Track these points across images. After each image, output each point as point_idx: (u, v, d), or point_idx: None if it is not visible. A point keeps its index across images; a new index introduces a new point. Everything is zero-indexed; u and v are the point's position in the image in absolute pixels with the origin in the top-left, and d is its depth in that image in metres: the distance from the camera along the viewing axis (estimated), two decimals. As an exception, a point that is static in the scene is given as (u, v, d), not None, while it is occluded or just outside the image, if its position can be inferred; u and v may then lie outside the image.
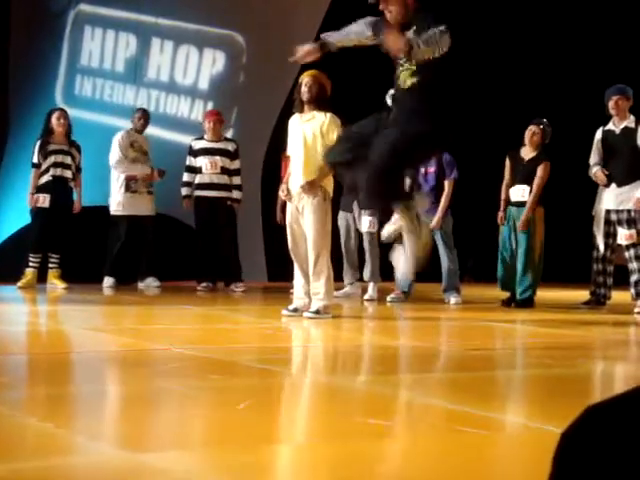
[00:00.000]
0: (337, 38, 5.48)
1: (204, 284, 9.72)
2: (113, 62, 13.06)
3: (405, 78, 5.19)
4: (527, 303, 8.61)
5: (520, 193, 8.65)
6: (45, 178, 9.48)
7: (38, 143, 9.59)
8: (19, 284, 9.28)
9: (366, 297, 9.13)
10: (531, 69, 12.61)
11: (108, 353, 5.14)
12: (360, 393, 4.18)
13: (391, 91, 5.39)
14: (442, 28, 4.85)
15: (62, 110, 9.75)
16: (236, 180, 9.86)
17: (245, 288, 9.76)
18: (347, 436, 3.18)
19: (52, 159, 9.48)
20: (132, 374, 4.36)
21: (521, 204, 8.63)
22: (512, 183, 8.72)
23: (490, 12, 12.32)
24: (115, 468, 2.62)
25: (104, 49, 13.09)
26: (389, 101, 5.34)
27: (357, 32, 5.45)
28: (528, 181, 8.61)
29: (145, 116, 10.27)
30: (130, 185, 9.93)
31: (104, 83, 13.09)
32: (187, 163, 9.87)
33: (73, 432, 3.03)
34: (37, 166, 9.51)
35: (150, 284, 9.88)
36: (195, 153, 9.81)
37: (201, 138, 9.87)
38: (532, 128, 8.66)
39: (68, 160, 9.55)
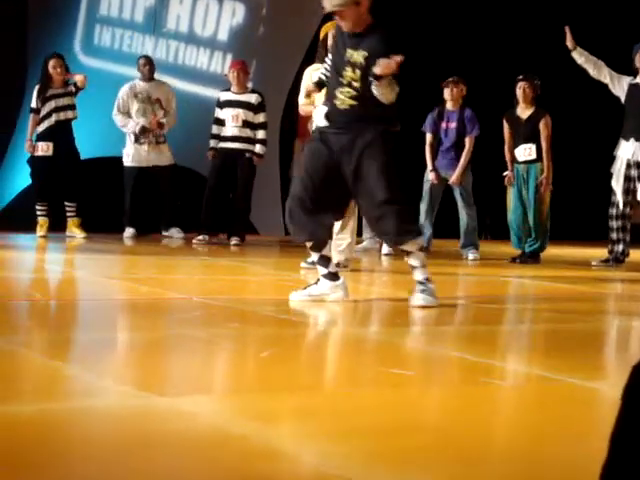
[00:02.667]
0: None
1: (200, 237, 9.58)
2: (132, 12, 12.99)
3: (344, 98, 5.16)
4: (533, 257, 8.61)
5: (526, 152, 8.63)
6: (46, 124, 9.40)
7: (37, 88, 9.54)
8: (39, 233, 9.32)
9: (384, 252, 9.13)
10: (534, 24, 12.53)
11: (128, 301, 5.18)
12: (380, 344, 4.20)
13: (324, 108, 5.32)
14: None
15: (58, 57, 9.57)
16: (260, 134, 9.73)
17: (239, 242, 9.60)
18: (371, 384, 3.21)
19: (52, 104, 9.40)
20: (154, 322, 4.39)
21: (528, 162, 8.62)
22: (515, 143, 8.70)
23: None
24: (141, 410, 2.66)
25: (123, -2, 13.03)
26: (323, 121, 5.29)
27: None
28: (531, 139, 8.59)
29: (149, 62, 10.20)
30: (137, 137, 9.91)
31: (123, 33, 13.03)
32: (215, 115, 9.81)
33: (99, 376, 3.06)
34: (36, 111, 9.45)
35: (174, 234, 9.91)
36: (221, 105, 9.76)
37: (227, 90, 9.82)
38: (521, 85, 8.62)
39: (69, 101, 9.46)
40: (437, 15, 12.20)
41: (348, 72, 5.15)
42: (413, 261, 5.20)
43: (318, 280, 5.23)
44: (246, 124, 9.65)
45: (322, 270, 5.22)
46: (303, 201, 5.20)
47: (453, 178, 8.89)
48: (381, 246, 9.27)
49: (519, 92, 8.61)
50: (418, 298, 5.14)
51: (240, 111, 9.64)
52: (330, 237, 5.63)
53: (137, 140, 9.89)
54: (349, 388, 3.12)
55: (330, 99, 5.27)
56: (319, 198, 5.16)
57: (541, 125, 8.55)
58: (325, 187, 5.17)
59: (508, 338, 4.62)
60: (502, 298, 6.38)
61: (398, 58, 4.86)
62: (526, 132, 8.61)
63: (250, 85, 10.10)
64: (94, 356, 3.50)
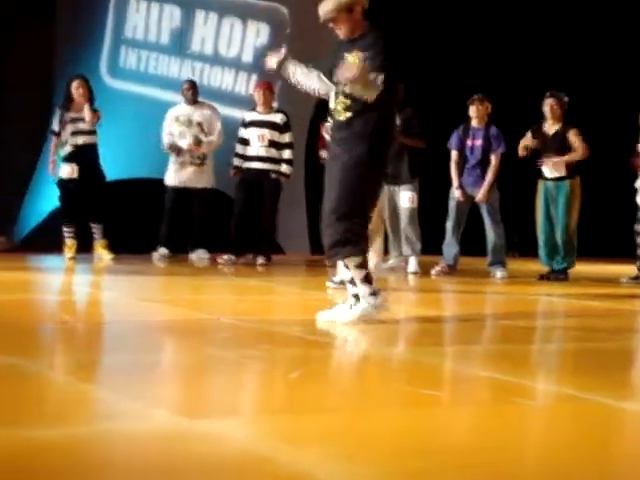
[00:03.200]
0: (297, 72, 5.54)
1: (226, 256, 9.59)
2: (158, 34, 13.10)
3: (340, 110, 5.20)
4: (561, 274, 8.58)
5: (555, 168, 8.60)
6: (68, 147, 9.45)
7: (58, 110, 9.60)
8: (67, 255, 9.37)
9: (410, 270, 9.13)
10: (560, 40, 12.52)
11: (156, 322, 5.18)
12: (408, 364, 4.19)
13: (329, 124, 5.39)
14: (376, 74, 4.95)
15: (81, 78, 9.61)
16: (286, 154, 9.75)
17: (265, 262, 9.61)
18: (399, 405, 3.20)
19: (70, 128, 9.44)
20: (182, 343, 4.40)
21: (557, 179, 8.59)
22: (546, 157, 8.66)
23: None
24: (173, 434, 2.66)
25: (149, 21, 13.14)
26: (327, 135, 5.37)
27: (313, 87, 5.53)
28: (559, 154, 8.56)
29: (192, 86, 10.25)
30: (176, 158, 9.96)
31: (149, 55, 13.14)
32: (239, 135, 9.84)
33: (131, 399, 3.07)
34: (56, 134, 9.51)
35: (200, 255, 9.93)
36: (246, 125, 9.79)
37: (253, 109, 9.84)
38: (548, 101, 8.61)
39: (88, 126, 9.46)
40: (463, 32, 12.20)
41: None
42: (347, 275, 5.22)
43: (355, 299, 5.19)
44: (272, 144, 9.67)
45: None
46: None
47: (479, 195, 8.87)
48: (407, 264, 9.26)
49: (546, 109, 8.60)
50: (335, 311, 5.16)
51: (266, 131, 9.67)
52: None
53: (176, 161, 9.95)
54: (378, 409, 3.11)
55: (330, 111, 5.31)
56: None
57: (571, 136, 8.52)
58: None
59: (537, 357, 4.59)
60: (530, 316, 6.35)
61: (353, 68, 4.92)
62: (554, 148, 8.59)
63: (275, 105, 10.13)
64: (122, 378, 3.51)
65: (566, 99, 8.65)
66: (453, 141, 9.08)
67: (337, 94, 5.22)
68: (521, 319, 5.88)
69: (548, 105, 8.60)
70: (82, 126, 9.38)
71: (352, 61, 5.10)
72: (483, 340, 5.18)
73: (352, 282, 5.21)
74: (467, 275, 9.10)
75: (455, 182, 9.00)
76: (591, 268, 10.23)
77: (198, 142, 9.92)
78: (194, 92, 10.19)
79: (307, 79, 5.48)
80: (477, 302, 7.13)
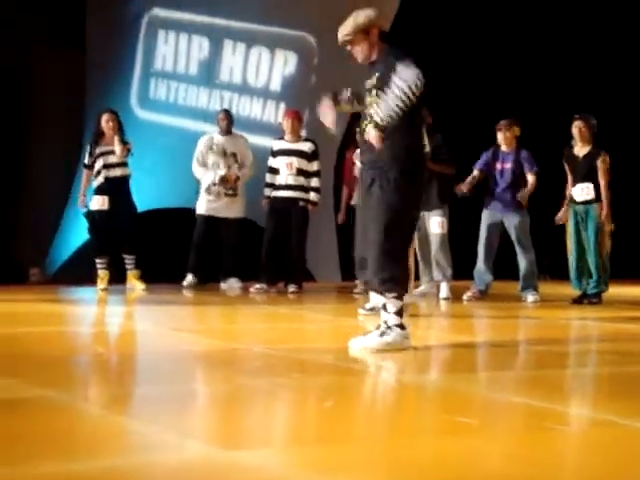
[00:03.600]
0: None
1: (258, 285, 9.61)
2: (186, 65, 13.20)
3: (369, 130, 5.21)
4: (595, 298, 8.53)
5: (584, 192, 8.58)
6: (99, 180, 9.50)
7: (89, 145, 9.66)
8: (99, 286, 9.42)
9: (442, 296, 9.11)
10: (588, 64, 12.50)
11: (189, 353, 5.19)
12: (443, 391, 4.17)
13: (358, 151, 5.49)
14: (396, 92, 4.97)
15: (111, 112, 9.67)
16: (314, 182, 9.76)
17: (296, 290, 9.62)
18: (434, 433, 3.19)
19: (101, 161, 9.48)
20: (216, 373, 4.41)
21: (586, 202, 8.56)
22: (573, 183, 8.66)
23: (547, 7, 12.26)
24: (207, 465, 2.66)
25: (177, 52, 13.25)
26: (358, 161, 5.45)
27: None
28: (588, 178, 8.54)
29: (227, 116, 10.27)
30: (209, 187, 9.99)
31: (178, 86, 13.24)
32: (268, 164, 9.87)
33: (164, 430, 3.08)
34: (88, 167, 9.57)
35: (232, 285, 9.95)
36: (274, 154, 9.82)
37: (281, 138, 9.88)
38: (577, 124, 8.60)
39: (119, 159, 9.51)
40: (491, 57, 12.21)
41: (367, 99, 5.32)
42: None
43: (386, 327, 5.19)
44: (300, 172, 9.69)
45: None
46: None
47: (520, 195, 8.78)
48: (439, 290, 9.24)
49: (575, 131, 8.59)
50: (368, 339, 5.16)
51: (294, 159, 9.69)
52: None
53: (209, 191, 9.97)
54: (412, 438, 3.10)
55: (360, 134, 5.38)
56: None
57: (598, 162, 8.51)
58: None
59: (572, 382, 4.56)
60: (564, 340, 6.31)
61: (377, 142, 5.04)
62: (583, 171, 8.57)
63: (304, 133, 10.16)
64: (156, 410, 3.52)
65: (594, 121, 8.63)
66: (479, 162, 9.06)
67: (367, 115, 5.27)
68: (554, 344, 5.85)
69: (577, 127, 8.59)
70: (113, 159, 9.45)
71: (371, 101, 5.22)
72: (516, 365, 5.15)
73: (385, 308, 5.21)
74: (499, 300, 9.06)
75: (465, 186, 8.92)
76: (625, 291, 10.16)
77: (237, 176, 9.97)
78: (229, 122, 10.22)
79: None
80: (509, 327, 7.09)
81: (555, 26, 12.50)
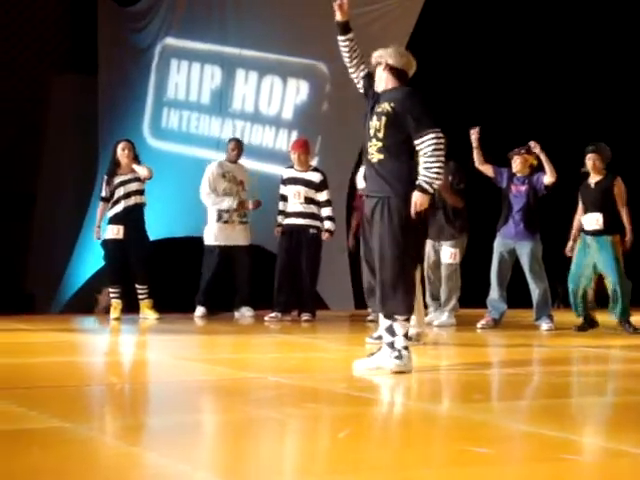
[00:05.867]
0: None
1: (273, 314, 9.60)
2: (199, 94, 13.28)
3: (373, 152, 5.45)
4: (628, 326, 8.50)
5: (594, 221, 8.56)
6: (117, 209, 9.49)
7: (105, 177, 9.67)
8: (112, 315, 9.42)
9: (437, 323, 9.09)
10: (603, 89, 12.52)
11: (202, 382, 5.20)
12: (455, 420, 4.16)
13: (362, 170, 5.62)
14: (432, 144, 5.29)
15: (127, 141, 9.70)
16: (326, 211, 9.74)
17: (310, 318, 9.60)
18: (448, 463, 3.18)
19: (121, 190, 9.48)
20: (229, 403, 4.41)
21: (596, 232, 8.55)
22: (584, 211, 8.65)
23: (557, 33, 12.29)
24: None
25: (190, 81, 13.34)
26: (361, 181, 5.60)
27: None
28: (600, 206, 8.52)
29: (239, 146, 10.29)
30: (222, 215, 9.99)
31: (190, 115, 13.32)
32: (280, 192, 9.89)
33: (177, 462, 3.08)
34: (105, 200, 9.57)
35: (244, 314, 9.93)
36: (284, 182, 9.84)
37: (291, 167, 9.90)
38: (591, 156, 8.61)
39: (138, 186, 9.51)
40: (503, 84, 12.23)
41: (373, 122, 5.47)
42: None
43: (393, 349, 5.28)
44: (308, 200, 9.70)
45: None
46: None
47: (545, 177, 8.73)
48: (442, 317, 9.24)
49: (589, 163, 8.58)
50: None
51: (302, 189, 9.70)
52: None
53: (220, 219, 9.96)
54: (428, 468, 3.09)
55: (364, 155, 5.57)
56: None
57: (615, 189, 8.51)
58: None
59: (584, 411, 4.54)
60: (577, 368, 6.29)
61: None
62: (595, 199, 8.55)
63: (314, 162, 10.19)
64: (170, 441, 3.52)
65: (609, 152, 8.62)
66: (500, 172, 9.02)
67: (370, 138, 5.46)
68: (566, 372, 5.83)
69: (591, 160, 8.59)
70: (133, 186, 9.48)
71: (376, 126, 5.42)
72: (530, 395, 5.13)
73: (390, 331, 5.32)
74: (512, 328, 9.03)
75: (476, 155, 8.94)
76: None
77: (257, 203, 9.99)
78: (239, 152, 10.24)
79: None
80: (523, 355, 7.06)
81: (568, 50, 12.51)
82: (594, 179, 8.62)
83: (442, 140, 5.36)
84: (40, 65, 13.14)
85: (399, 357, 5.26)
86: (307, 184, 9.71)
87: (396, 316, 5.31)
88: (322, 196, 9.73)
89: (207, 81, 13.24)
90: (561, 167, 9.09)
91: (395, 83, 5.55)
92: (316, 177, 9.76)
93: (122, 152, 9.49)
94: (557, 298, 11.33)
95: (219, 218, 9.95)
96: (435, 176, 5.29)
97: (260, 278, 10.19)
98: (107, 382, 5.28)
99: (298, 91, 12.76)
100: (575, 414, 4.39)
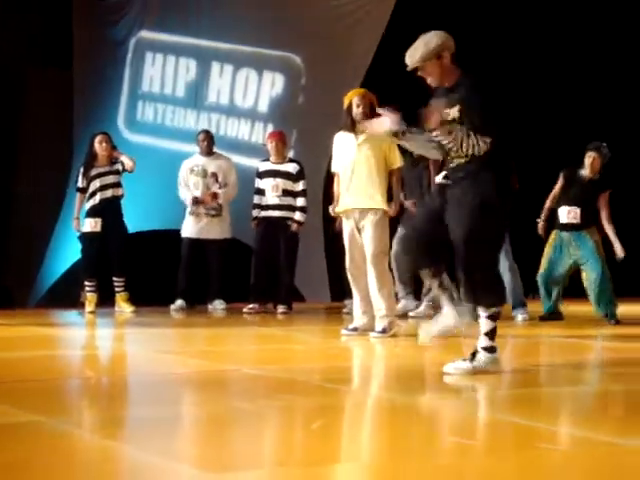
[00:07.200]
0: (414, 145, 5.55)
1: (251, 306, 9.62)
2: (174, 87, 13.24)
3: (454, 156, 5.13)
4: (612, 319, 8.53)
5: (571, 215, 8.59)
6: (93, 202, 9.48)
7: (82, 168, 9.66)
8: (87, 309, 9.41)
9: (411, 313, 9.09)
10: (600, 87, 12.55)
11: (178, 375, 5.21)
12: (432, 411, 4.19)
13: (441, 175, 5.33)
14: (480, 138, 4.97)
15: (104, 134, 9.72)
16: (300, 202, 9.78)
17: (286, 310, 9.63)
18: (427, 454, 3.20)
19: (97, 183, 9.48)
20: (205, 396, 4.42)
21: (572, 227, 8.59)
22: (564, 202, 8.68)
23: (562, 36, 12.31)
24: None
25: (165, 74, 13.29)
26: (441, 179, 5.29)
27: (429, 155, 5.69)
28: (583, 202, 8.57)
29: (208, 137, 10.29)
30: (191, 209, 10.01)
31: (165, 108, 13.27)
32: (255, 185, 9.89)
33: (155, 454, 3.09)
34: (82, 190, 9.56)
35: (216, 307, 9.95)
36: (260, 175, 9.85)
37: (266, 160, 9.91)
38: (591, 154, 8.63)
39: (114, 179, 9.53)
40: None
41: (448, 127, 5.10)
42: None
43: (475, 353, 5.08)
44: (286, 192, 9.71)
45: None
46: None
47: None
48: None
49: (588, 161, 8.60)
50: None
51: (280, 181, 9.72)
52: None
53: (191, 212, 9.99)
54: (405, 459, 3.11)
55: (446, 162, 5.22)
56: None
57: (603, 197, 8.58)
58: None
59: (562, 401, 4.57)
60: (554, 359, 6.33)
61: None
62: (582, 194, 8.57)
63: (290, 154, 10.22)
64: (146, 434, 3.53)
65: (608, 152, 8.67)
66: None
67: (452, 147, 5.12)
68: (542, 362, 5.86)
69: (590, 157, 8.61)
70: (109, 179, 9.48)
71: (451, 128, 5.06)
72: (505, 385, 5.16)
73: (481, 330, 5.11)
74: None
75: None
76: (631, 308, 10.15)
77: (214, 194, 9.96)
78: (209, 143, 10.24)
79: (424, 150, 5.53)
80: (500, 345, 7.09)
81: (564, 50, 12.51)
82: (589, 175, 8.64)
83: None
84: (14, 58, 13.07)
85: (474, 359, 5.06)
86: (285, 176, 9.73)
87: (482, 311, 5.07)
88: (298, 186, 9.76)
89: (182, 74, 13.20)
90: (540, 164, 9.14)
91: (445, 74, 5.16)
92: (293, 168, 9.79)
93: (100, 145, 9.49)
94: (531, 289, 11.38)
95: (191, 211, 9.98)
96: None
97: (236, 270, 10.20)
98: (83, 376, 5.28)
99: (273, 84, 12.74)
100: (551, 404, 4.42)
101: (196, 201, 9.93)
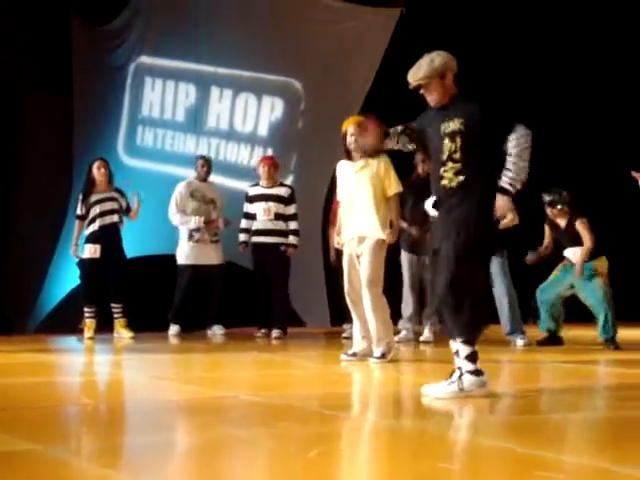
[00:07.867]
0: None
1: (263, 330, 9.70)
2: (173, 112, 13.26)
3: (451, 176, 5.18)
4: (612, 344, 8.54)
5: (576, 255, 8.75)
6: (92, 228, 9.52)
7: (80, 195, 9.69)
8: (86, 335, 9.40)
9: (422, 338, 9.14)
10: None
11: (175, 402, 5.19)
12: (428, 437, 4.17)
13: (430, 200, 5.34)
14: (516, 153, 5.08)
15: (102, 160, 9.76)
16: (292, 225, 9.80)
17: (280, 335, 9.62)
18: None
19: (97, 209, 9.52)
20: (201, 423, 4.40)
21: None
22: (563, 247, 8.83)
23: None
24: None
25: (164, 99, 13.32)
26: (434, 212, 5.30)
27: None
28: (577, 243, 8.74)
29: (207, 163, 10.32)
30: (193, 235, 10.00)
31: (165, 133, 13.30)
32: (244, 210, 9.90)
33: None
34: (81, 217, 9.60)
35: (216, 332, 9.95)
36: (250, 199, 9.84)
37: (256, 184, 9.92)
38: (550, 210, 8.79)
39: (114, 205, 9.58)
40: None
41: (446, 144, 5.19)
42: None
43: (458, 375, 5.12)
44: (278, 216, 9.73)
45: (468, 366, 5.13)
46: None
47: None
48: (418, 336, 9.27)
49: (550, 214, 8.78)
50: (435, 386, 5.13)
51: (272, 204, 9.73)
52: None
53: (192, 238, 9.98)
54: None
55: (436, 182, 5.26)
56: None
57: (578, 226, 8.64)
58: None
59: (558, 427, 4.56)
60: (552, 384, 6.31)
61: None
62: (568, 238, 8.74)
63: (290, 179, 10.27)
64: (142, 461, 3.52)
65: (567, 196, 8.75)
66: None
67: (445, 162, 5.21)
68: (540, 388, 5.84)
69: (551, 213, 8.80)
70: (108, 205, 9.52)
71: (450, 147, 5.16)
72: (502, 411, 5.15)
73: (457, 354, 5.16)
74: (486, 343, 9.04)
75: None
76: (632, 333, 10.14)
77: (227, 221, 10.03)
78: (209, 169, 10.28)
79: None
80: (496, 371, 7.08)
81: (561, 51, 12.56)
82: (562, 222, 8.76)
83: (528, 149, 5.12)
84: (14, 84, 13.09)
85: (457, 383, 5.10)
86: (277, 199, 9.74)
87: (458, 338, 5.12)
88: (290, 209, 9.79)
89: (182, 99, 13.23)
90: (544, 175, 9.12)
91: (446, 93, 5.26)
92: (285, 191, 9.82)
93: (98, 171, 9.53)
94: (530, 313, 11.37)
95: (190, 237, 9.98)
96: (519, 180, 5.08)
97: (233, 294, 10.20)
98: (81, 402, 5.26)
99: (273, 108, 12.77)
100: (547, 430, 4.40)
101: (208, 224, 9.94)
